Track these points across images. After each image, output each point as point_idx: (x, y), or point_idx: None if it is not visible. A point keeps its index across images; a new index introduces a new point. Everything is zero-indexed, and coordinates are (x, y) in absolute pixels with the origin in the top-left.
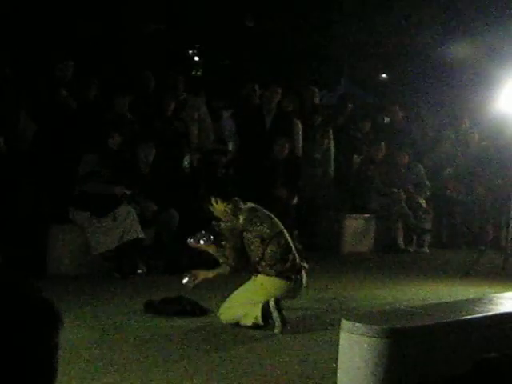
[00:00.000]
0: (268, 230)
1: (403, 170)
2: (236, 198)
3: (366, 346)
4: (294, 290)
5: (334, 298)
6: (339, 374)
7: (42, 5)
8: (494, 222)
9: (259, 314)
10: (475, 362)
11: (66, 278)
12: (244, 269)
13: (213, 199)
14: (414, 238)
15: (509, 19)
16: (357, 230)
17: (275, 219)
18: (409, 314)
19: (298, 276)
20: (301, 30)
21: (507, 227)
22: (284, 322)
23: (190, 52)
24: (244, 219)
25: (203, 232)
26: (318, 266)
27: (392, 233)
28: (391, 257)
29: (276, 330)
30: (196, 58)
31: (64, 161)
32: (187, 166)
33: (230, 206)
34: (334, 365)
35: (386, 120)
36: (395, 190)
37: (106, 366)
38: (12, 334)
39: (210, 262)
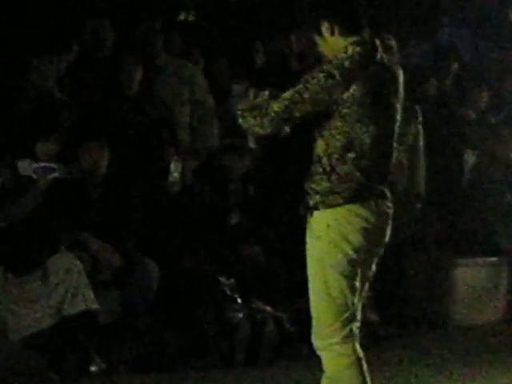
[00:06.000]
0: None
1: None
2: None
3: None
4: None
5: None
6: None
7: None
8: None
9: None
10: None
11: None
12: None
13: (326, 25)
14: None
15: None
16: (476, 285)
17: None
18: None
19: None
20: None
21: None
22: None
23: None
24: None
25: None
26: (410, 351)
27: None
28: None
29: None
30: None
31: None
32: (176, 178)
33: (358, 49)
34: None
35: None
36: None
37: None
38: None
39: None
